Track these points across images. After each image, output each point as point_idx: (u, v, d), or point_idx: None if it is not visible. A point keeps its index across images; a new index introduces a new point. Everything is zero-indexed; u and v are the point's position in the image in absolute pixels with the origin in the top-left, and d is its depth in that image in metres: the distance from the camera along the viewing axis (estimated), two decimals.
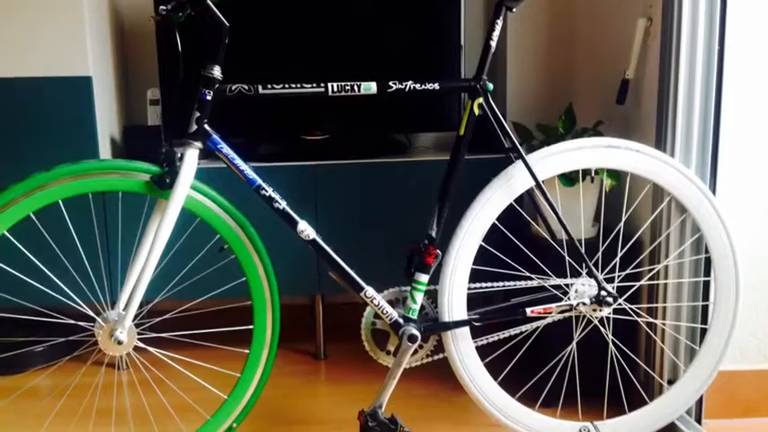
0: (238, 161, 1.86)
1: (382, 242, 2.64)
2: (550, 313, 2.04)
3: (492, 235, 2.03)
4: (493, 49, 1.93)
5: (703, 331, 2.14)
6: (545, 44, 2.92)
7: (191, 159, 1.81)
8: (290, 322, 2.22)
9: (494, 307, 2.07)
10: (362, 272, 1.97)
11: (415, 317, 2.00)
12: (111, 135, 2.74)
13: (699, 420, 2.22)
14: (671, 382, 2.20)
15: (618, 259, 2.12)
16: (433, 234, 1.96)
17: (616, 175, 2.23)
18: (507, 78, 2.94)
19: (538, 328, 2.10)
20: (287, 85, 1.86)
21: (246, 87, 1.84)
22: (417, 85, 1.91)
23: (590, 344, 2.16)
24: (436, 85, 1.93)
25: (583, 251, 2.02)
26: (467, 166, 1.96)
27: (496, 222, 2.02)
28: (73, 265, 2.25)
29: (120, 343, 1.82)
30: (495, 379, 2.08)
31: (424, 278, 1.98)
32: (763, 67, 2.16)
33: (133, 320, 1.84)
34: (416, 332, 1.98)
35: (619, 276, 2.11)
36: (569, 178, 2.22)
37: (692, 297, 2.20)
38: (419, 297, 2.00)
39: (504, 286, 2.08)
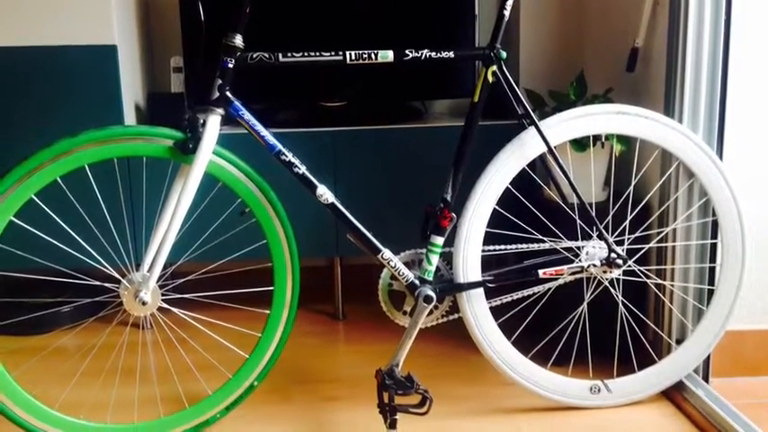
0: (259, 127, 1.88)
1: (399, 205, 2.64)
2: (562, 275, 2.07)
3: (505, 199, 2.06)
4: (506, 18, 1.95)
5: (710, 292, 2.18)
6: (557, 13, 2.94)
7: (213, 125, 1.83)
8: (309, 283, 2.23)
9: (507, 269, 2.09)
10: (380, 234, 1.99)
11: (430, 278, 2.02)
12: (135, 102, 2.76)
13: (706, 379, 2.25)
14: (679, 342, 2.23)
15: (627, 222, 2.15)
16: (448, 198, 1.98)
17: (626, 140, 2.23)
18: (520, 46, 2.96)
19: (550, 289, 2.13)
20: (306, 54, 1.88)
21: (267, 55, 1.86)
22: (433, 54, 1.93)
23: (600, 305, 2.18)
24: (451, 54, 1.95)
25: (593, 214, 2.05)
26: (481, 131, 1.98)
27: (509, 186, 2.05)
28: (98, 228, 2.26)
29: (144, 304, 1.85)
30: (509, 339, 2.12)
31: (440, 240, 2.00)
32: None
33: (157, 282, 1.87)
34: (432, 293, 2.00)
35: (628, 239, 2.14)
36: (580, 144, 2.24)
37: (700, 259, 2.22)
38: (434, 259, 2.01)
39: (516, 249, 2.11)
